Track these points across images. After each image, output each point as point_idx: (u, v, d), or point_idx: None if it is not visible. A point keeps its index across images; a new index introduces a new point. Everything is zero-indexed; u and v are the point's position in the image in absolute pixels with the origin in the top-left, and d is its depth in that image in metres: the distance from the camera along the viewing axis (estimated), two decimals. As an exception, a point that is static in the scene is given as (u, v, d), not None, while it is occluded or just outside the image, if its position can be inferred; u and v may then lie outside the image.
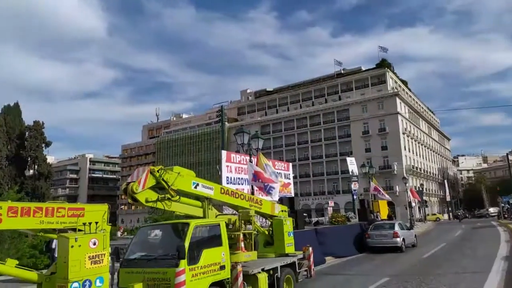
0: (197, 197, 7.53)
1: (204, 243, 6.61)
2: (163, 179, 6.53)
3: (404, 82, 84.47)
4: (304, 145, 79.21)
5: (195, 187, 7.26)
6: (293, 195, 23.49)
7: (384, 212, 36.56)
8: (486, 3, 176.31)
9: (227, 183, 17.10)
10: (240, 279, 6.86)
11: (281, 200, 14.21)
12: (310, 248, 9.53)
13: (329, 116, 77.51)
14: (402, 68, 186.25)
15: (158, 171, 6.53)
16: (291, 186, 23.39)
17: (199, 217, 7.34)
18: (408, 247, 17.83)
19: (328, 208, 38.05)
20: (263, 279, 7.45)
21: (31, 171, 64.09)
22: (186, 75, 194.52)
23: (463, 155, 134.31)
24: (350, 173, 30.12)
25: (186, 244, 6.07)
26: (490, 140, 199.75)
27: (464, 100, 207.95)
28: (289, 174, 23.29)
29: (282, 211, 9.72)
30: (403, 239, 17.00)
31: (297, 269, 8.83)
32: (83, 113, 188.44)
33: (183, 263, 5.88)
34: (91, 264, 5.16)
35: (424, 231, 31.68)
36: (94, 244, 5.25)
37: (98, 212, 5.82)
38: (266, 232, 9.41)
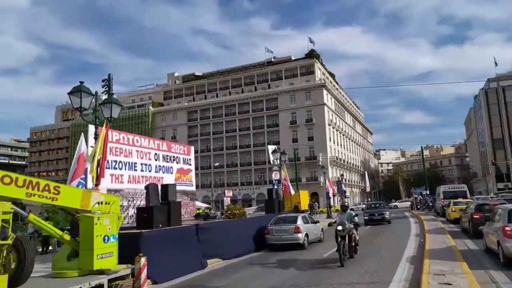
0: None
1: None
2: None
3: (332, 75, 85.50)
4: (232, 134, 76.67)
5: None
6: (194, 183, 20.36)
7: (304, 203, 35.25)
8: (414, 10, 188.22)
9: (97, 167, 13.30)
10: None
11: (147, 189, 10.93)
12: (143, 259, 6.40)
13: (258, 105, 75.71)
14: (334, 65, 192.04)
15: None
16: (192, 174, 20.22)
17: None
18: (313, 243, 15.70)
19: (225, 199, 35.28)
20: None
21: None
22: (118, 56, 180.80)
23: (384, 149, 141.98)
24: (272, 162, 27.99)
25: None
26: (409, 136, 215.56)
27: (390, 98, 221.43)
28: (189, 159, 20.05)
29: (105, 203, 6.42)
30: (306, 235, 14.74)
31: (106, 295, 5.64)
32: (0, 91, 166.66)
33: None
34: None
35: (340, 222, 30.55)
36: None
37: None
38: (67, 238, 6.06)
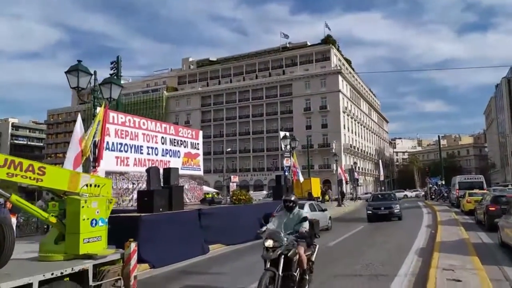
0: None
1: None
2: None
3: (348, 61, 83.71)
4: (246, 119, 76.28)
5: None
6: (201, 168, 20.19)
7: (316, 190, 34.85)
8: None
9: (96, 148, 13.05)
10: None
11: (148, 172, 10.70)
12: (133, 244, 6.12)
13: (272, 91, 74.93)
14: (353, 52, 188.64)
15: None
16: (200, 158, 20.03)
17: None
18: (320, 231, 15.24)
19: (231, 184, 34.87)
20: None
21: None
22: (136, 41, 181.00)
23: (400, 138, 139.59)
24: (283, 148, 27.64)
25: None
26: (428, 125, 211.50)
27: (409, 86, 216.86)
28: (197, 143, 19.82)
29: (95, 185, 6.15)
30: (313, 223, 14.36)
31: (91, 281, 5.38)
32: (21, 75, 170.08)
33: None
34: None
35: (350, 210, 30.15)
36: None
37: None
38: (53, 220, 5.82)
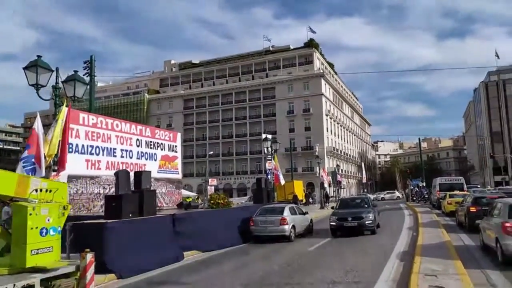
0: None
1: None
2: None
3: (331, 65, 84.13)
4: (229, 122, 75.62)
5: None
6: (180, 171, 19.51)
7: (299, 193, 34.54)
8: (418, 2, 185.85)
9: (70, 152, 12.29)
10: None
11: (116, 175, 10.09)
12: (89, 256, 5.54)
13: (255, 94, 74.58)
14: (337, 57, 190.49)
15: None
16: (178, 161, 19.38)
17: None
18: (301, 235, 14.94)
19: (209, 187, 34.17)
20: None
21: None
22: (119, 44, 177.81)
23: (382, 141, 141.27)
24: (266, 151, 27.27)
25: None
26: (409, 129, 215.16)
27: (391, 90, 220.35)
28: (175, 146, 19.16)
29: (47, 190, 5.56)
30: (293, 226, 13.97)
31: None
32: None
33: None
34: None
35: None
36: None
37: None
38: (-2, 229, 5.22)
